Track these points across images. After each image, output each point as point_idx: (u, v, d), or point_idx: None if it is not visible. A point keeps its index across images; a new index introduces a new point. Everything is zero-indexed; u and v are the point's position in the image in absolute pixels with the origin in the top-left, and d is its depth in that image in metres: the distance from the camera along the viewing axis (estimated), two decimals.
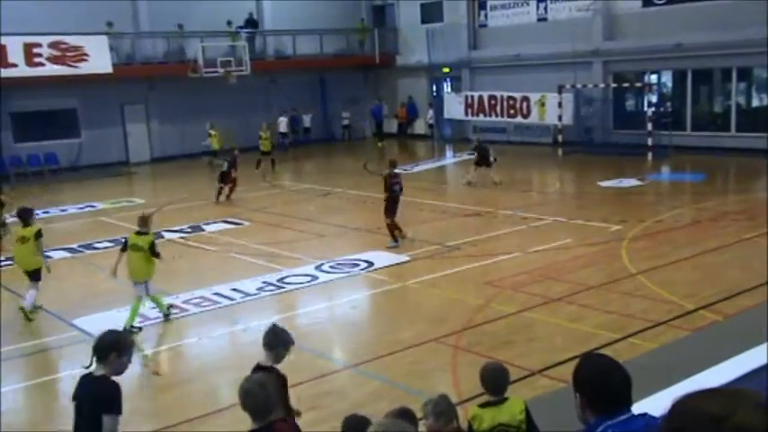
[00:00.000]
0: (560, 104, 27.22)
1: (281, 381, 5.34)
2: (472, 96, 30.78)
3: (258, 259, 13.99)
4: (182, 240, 16.03)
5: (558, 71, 27.66)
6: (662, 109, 26.76)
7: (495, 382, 4.93)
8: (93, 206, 20.73)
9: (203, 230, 16.82)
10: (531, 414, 4.88)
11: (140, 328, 10.29)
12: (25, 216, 11.26)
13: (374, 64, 34.98)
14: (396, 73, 35.81)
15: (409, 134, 34.98)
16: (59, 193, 23.18)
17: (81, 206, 20.68)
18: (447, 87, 34.06)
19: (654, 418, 2.80)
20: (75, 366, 9.59)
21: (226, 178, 20.27)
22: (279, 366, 5.42)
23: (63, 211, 19.98)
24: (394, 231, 14.24)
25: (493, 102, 29.83)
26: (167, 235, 16.48)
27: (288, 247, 14.74)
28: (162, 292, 10.97)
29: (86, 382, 5.00)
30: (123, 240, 10.91)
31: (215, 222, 17.57)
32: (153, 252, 10.30)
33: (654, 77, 27.21)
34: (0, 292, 12.19)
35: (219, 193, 20.31)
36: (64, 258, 14.46)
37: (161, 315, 10.66)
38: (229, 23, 30.62)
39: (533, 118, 28.64)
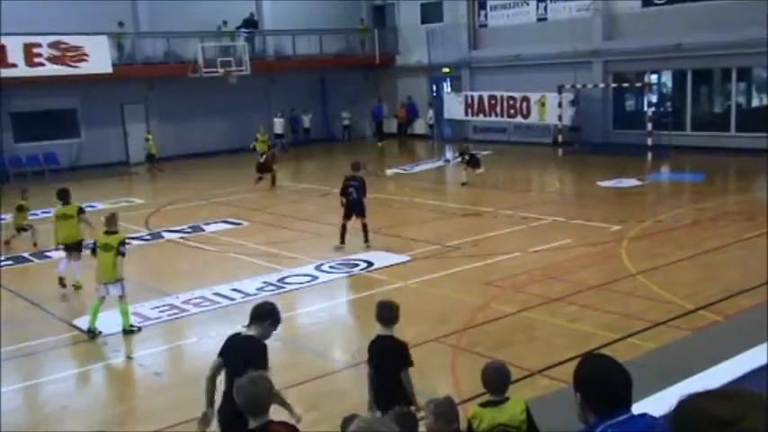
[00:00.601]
0: (560, 104, 27.22)
1: (405, 346, 6.03)
2: (472, 96, 30.79)
3: (258, 259, 13.99)
4: (182, 240, 16.05)
5: (557, 71, 27.65)
6: (662, 109, 26.79)
7: (496, 381, 4.92)
8: (92, 206, 20.62)
9: (203, 230, 16.83)
10: (531, 414, 4.88)
11: (140, 328, 10.29)
12: (64, 196, 12.55)
13: (374, 64, 34.97)
14: (396, 73, 35.80)
15: (409, 134, 34.94)
16: None
17: (81, 206, 20.59)
18: (447, 87, 34.07)
19: (654, 418, 2.80)
20: (74, 366, 9.65)
21: (263, 169, 22.33)
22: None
23: None
24: (344, 233, 14.21)
25: (493, 102, 29.83)
26: (167, 235, 16.52)
27: (288, 247, 14.74)
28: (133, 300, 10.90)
29: (237, 340, 5.50)
30: (92, 244, 10.60)
31: (215, 222, 17.57)
32: (120, 249, 10.07)
33: (654, 77, 27.20)
34: (0, 292, 12.20)
35: (258, 181, 22.30)
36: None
37: (87, 326, 10.20)
38: (225, 23, 30.62)
39: (533, 118, 28.64)
